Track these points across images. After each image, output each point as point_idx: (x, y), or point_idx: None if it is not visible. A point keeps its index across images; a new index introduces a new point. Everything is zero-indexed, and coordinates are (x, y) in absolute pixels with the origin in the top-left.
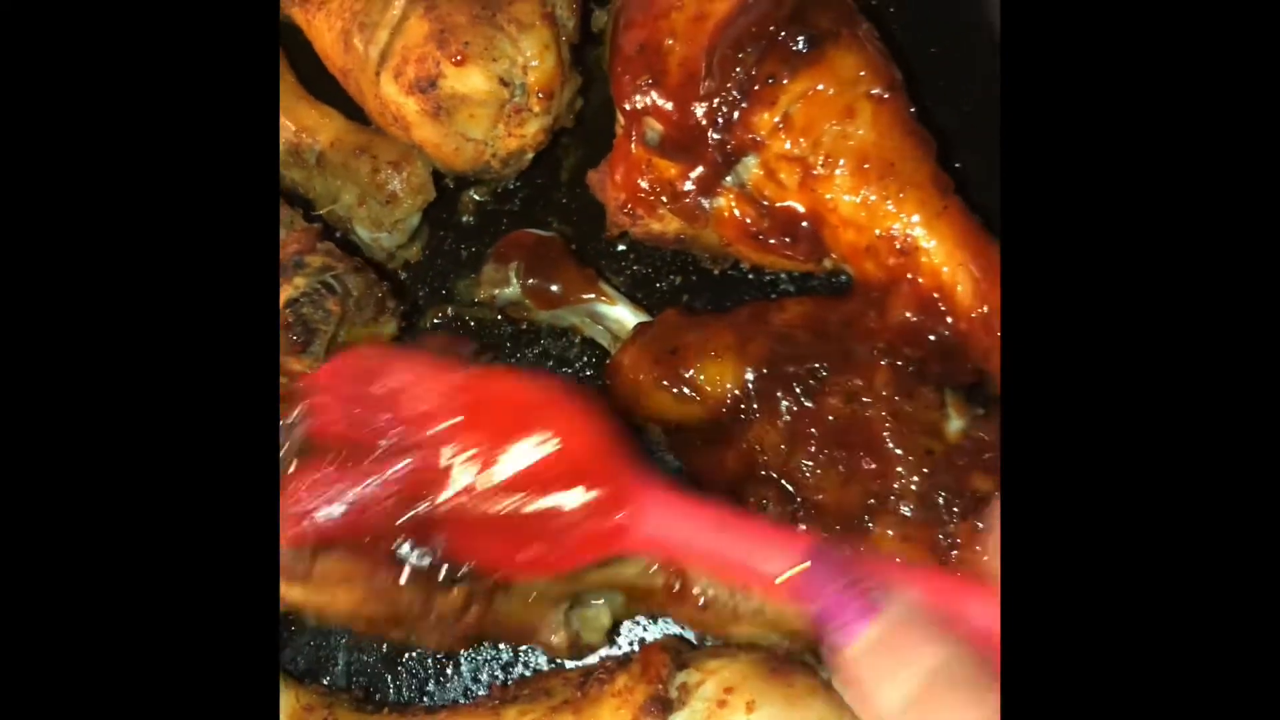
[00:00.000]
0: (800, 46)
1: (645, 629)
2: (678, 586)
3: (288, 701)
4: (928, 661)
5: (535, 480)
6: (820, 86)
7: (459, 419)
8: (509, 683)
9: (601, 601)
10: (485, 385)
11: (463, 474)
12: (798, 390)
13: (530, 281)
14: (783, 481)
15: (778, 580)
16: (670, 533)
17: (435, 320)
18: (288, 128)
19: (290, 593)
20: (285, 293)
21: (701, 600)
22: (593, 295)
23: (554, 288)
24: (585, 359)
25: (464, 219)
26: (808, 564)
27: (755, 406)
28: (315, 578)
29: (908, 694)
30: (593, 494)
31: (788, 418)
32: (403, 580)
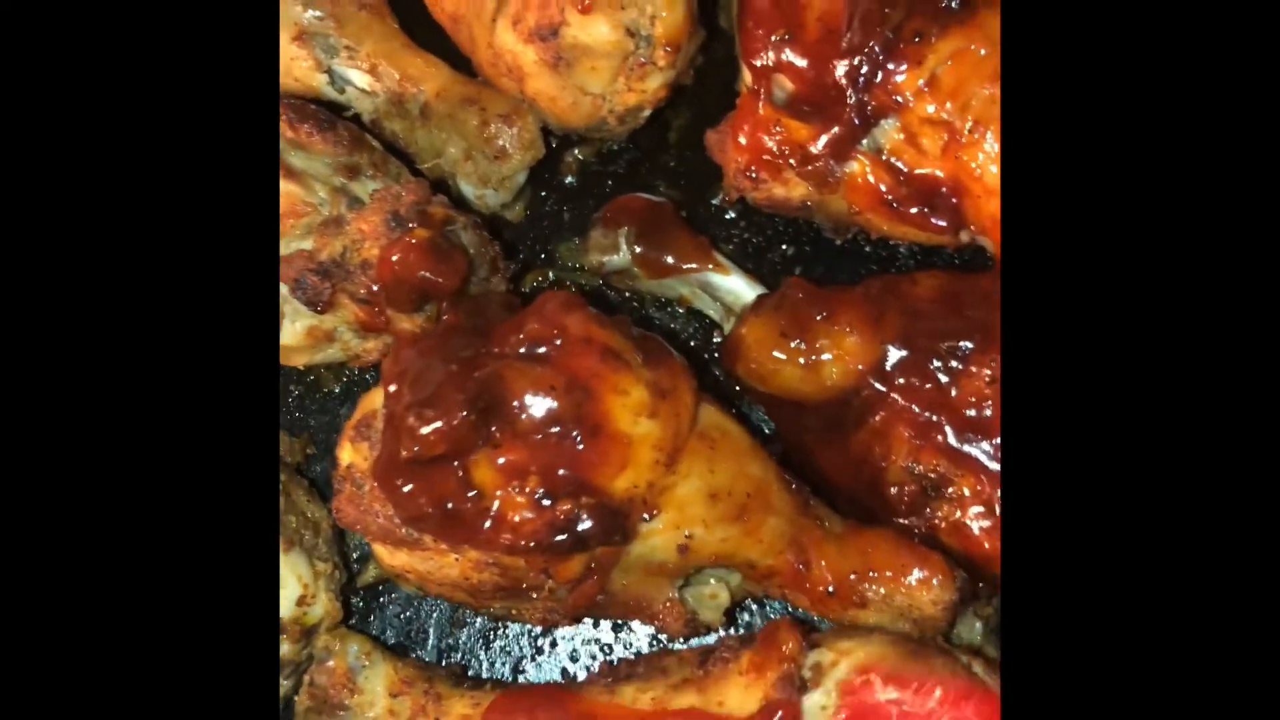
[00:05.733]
0: (951, 3)
1: (753, 614)
2: (803, 567)
3: (386, 674)
4: None
5: None
6: (971, 46)
7: None
8: (613, 662)
9: (717, 580)
10: None
11: None
12: (936, 367)
13: (641, 249)
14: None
15: None
16: None
17: (535, 284)
18: (390, 76)
19: (394, 558)
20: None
21: (828, 585)
22: (707, 265)
23: (667, 257)
24: (692, 331)
25: (567, 179)
26: None
27: (891, 385)
28: (426, 542)
29: None
30: None
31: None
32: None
